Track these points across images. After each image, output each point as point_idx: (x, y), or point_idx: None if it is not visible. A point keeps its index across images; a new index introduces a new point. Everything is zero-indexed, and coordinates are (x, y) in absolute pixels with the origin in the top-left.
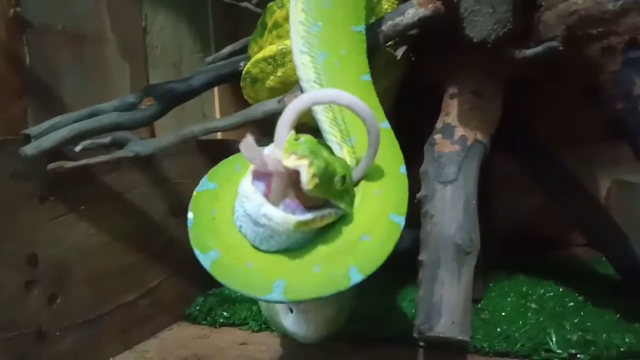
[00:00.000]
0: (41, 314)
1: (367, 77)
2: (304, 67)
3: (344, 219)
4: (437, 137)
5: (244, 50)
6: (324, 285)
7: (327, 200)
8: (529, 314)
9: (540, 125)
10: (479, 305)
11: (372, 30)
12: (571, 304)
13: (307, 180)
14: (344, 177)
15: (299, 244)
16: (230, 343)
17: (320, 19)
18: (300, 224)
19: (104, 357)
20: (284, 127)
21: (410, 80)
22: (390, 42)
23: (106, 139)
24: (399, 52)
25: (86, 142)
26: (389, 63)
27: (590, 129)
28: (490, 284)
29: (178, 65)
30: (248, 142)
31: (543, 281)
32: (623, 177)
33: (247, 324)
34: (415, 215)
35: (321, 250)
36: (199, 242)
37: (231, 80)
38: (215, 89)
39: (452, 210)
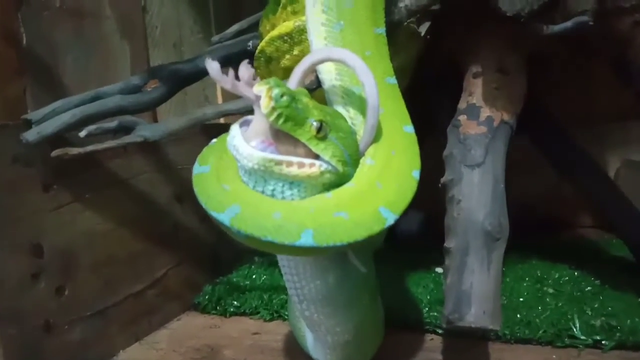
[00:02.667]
0: (48, 305)
1: (392, 80)
2: (326, 66)
3: (354, 178)
4: (462, 118)
5: (251, 29)
6: (356, 229)
7: (313, 154)
8: (547, 299)
9: (551, 104)
10: None
11: (395, 5)
12: (589, 287)
13: (264, 104)
14: (320, 124)
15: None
16: (242, 332)
17: (342, 18)
18: (267, 160)
19: (113, 349)
20: (293, 77)
21: (427, 58)
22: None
23: (112, 124)
24: (422, 29)
25: (91, 127)
26: (409, 38)
27: (601, 108)
28: (503, 268)
29: (178, 45)
30: (214, 66)
31: (557, 265)
32: (633, 158)
33: (259, 312)
34: (421, 197)
35: (342, 200)
36: (214, 203)
37: (239, 60)
38: None
39: (480, 194)
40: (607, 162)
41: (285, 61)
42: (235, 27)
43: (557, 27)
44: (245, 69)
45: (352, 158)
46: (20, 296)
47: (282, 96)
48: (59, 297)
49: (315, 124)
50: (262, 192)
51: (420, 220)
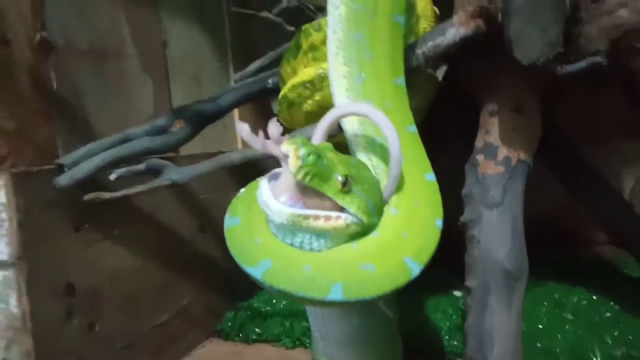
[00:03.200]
0: (81, 342)
1: (412, 129)
2: (349, 119)
3: (378, 227)
4: (479, 157)
5: (270, 66)
6: (383, 282)
7: (339, 207)
8: (567, 326)
9: (564, 121)
10: None
11: (412, 51)
12: (608, 314)
13: (292, 163)
14: (346, 178)
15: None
16: None
17: (363, 71)
18: (295, 216)
19: None
20: (318, 132)
21: (442, 94)
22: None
23: (141, 166)
24: (440, 73)
25: (122, 170)
26: (426, 82)
27: (614, 125)
28: None
29: (197, 75)
30: (244, 128)
31: (575, 287)
32: None
33: (281, 340)
34: None
35: (368, 251)
36: (247, 258)
37: (259, 98)
38: None
39: (499, 234)
40: (622, 180)
41: (306, 106)
42: (256, 64)
43: (570, 67)
44: (274, 127)
45: (377, 208)
46: (54, 335)
47: (309, 155)
48: (90, 332)
49: (340, 178)
50: (291, 244)
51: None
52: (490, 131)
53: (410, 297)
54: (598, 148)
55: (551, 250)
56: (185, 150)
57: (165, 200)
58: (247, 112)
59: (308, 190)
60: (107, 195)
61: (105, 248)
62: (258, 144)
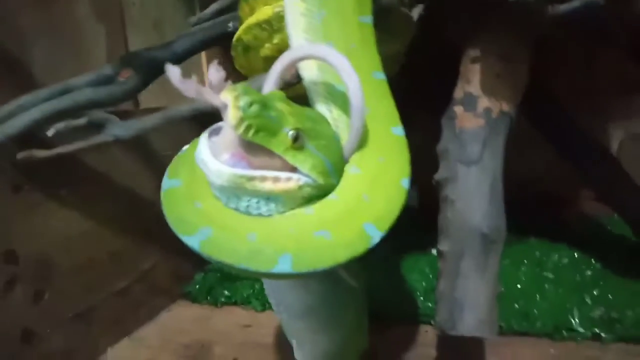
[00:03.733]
0: (26, 313)
1: (380, 75)
2: (306, 61)
3: (337, 188)
4: (458, 109)
5: (232, 8)
6: (338, 251)
7: (291, 166)
8: (546, 286)
9: (552, 78)
10: None
11: None
12: (589, 272)
13: (231, 114)
14: (297, 133)
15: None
16: (233, 326)
17: (323, 7)
18: (237, 177)
19: (100, 349)
20: (269, 79)
21: (420, 39)
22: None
23: (81, 120)
24: (415, 12)
25: (60, 125)
26: (401, 24)
27: (603, 81)
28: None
29: (159, 25)
30: (174, 73)
31: (556, 244)
32: (636, 131)
33: (250, 302)
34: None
35: (324, 216)
36: (183, 226)
37: (219, 43)
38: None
39: (476, 195)
40: (611, 135)
41: (265, 50)
42: (214, 6)
43: (563, 7)
44: (214, 72)
45: (335, 167)
46: None
47: (251, 105)
48: (37, 302)
49: (291, 133)
50: (236, 208)
51: (414, 196)
52: (471, 80)
53: (384, 256)
54: (588, 103)
55: (534, 208)
56: (147, 103)
57: (121, 158)
58: (215, 57)
59: (254, 147)
60: (42, 153)
61: (51, 211)
62: (192, 91)
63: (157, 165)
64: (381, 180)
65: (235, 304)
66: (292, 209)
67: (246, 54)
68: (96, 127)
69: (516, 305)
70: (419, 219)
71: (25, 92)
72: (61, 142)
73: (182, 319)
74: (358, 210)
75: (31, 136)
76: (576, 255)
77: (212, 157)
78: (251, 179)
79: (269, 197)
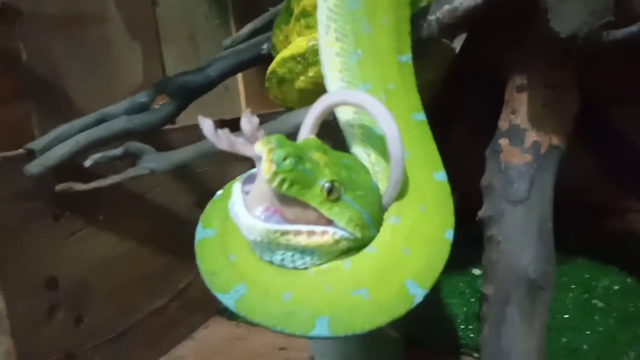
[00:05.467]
0: (67, 337)
1: (420, 116)
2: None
3: (376, 240)
4: (503, 142)
5: (265, 28)
6: (377, 313)
7: (327, 219)
8: (596, 317)
9: (593, 83)
10: None
11: (423, 18)
12: None
13: (265, 168)
14: (332, 185)
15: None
16: (269, 347)
17: (359, 47)
18: (271, 232)
19: None
20: (304, 128)
21: (460, 60)
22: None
23: (118, 151)
24: (457, 43)
25: (96, 156)
26: (442, 53)
27: None
28: None
29: (193, 36)
30: (207, 124)
31: (606, 267)
32: None
33: None
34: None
35: (362, 272)
36: (218, 282)
37: (253, 65)
38: None
39: (523, 236)
40: None
41: (299, 83)
42: (248, 27)
43: (619, 33)
44: (246, 122)
45: (373, 218)
46: (37, 332)
47: (285, 159)
48: (78, 326)
49: (326, 185)
50: (271, 261)
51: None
52: (518, 110)
53: None
54: (629, 111)
55: (581, 220)
56: (183, 120)
57: (157, 178)
58: (251, 76)
59: (288, 199)
60: (79, 186)
61: (89, 236)
62: (225, 143)
63: (193, 183)
64: (423, 231)
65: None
66: (329, 261)
67: (281, 86)
68: (132, 157)
69: (563, 340)
70: (459, 232)
71: (64, 116)
72: (99, 170)
73: (218, 337)
74: (398, 265)
75: (69, 166)
76: (628, 281)
77: (245, 210)
78: (285, 233)
79: (304, 250)
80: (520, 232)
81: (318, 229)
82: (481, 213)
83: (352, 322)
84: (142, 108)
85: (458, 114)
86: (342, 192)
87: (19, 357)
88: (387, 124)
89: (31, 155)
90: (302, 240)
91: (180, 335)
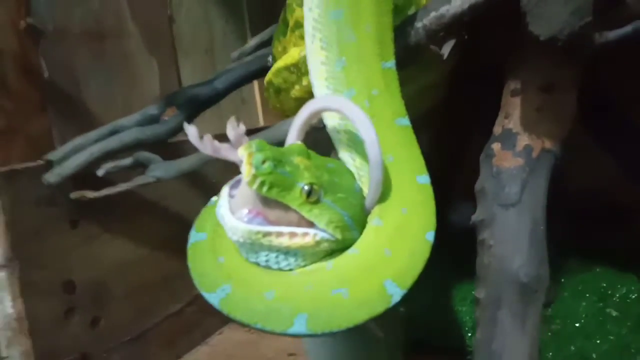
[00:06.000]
0: (84, 339)
1: (404, 121)
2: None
3: (358, 242)
4: (496, 147)
5: (271, 41)
6: (355, 311)
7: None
8: (609, 326)
9: (615, 84)
10: (549, 311)
11: (410, 25)
12: None
13: (245, 171)
14: (311, 187)
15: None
16: (278, 353)
17: (343, 54)
18: (253, 233)
19: None
20: (291, 132)
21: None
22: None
23: (127, 161)
24: (446, 49)
25: (108, 166)
26: (433, 59)
27: None
28: (563, 279)
29: (210, 50)
30: (191, 132)
31: (624, 274)
32: None
33: None
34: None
35: (343, 272)
36: (205, 282)
37: (259, 77)
38: None
39: (515, 239)
40: None
41: (295, 92)
42: (255, 40)
43: (612, 34)
44: (231, 129)
45: (355, 220)
46: (54, 333)
47: (263, 162)
48: (94, 328)
49: (305, 187)
50: (256, 262)
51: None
52: (511, 115)
53: (438, 283)
54: None
55: (602, 224)
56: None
57: (171, 187)
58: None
59: (271, 202)
60: (91, 194)
61: (106, 241)
62: (209, 149)
63: (206, 190)
64: (404, 233)
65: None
66: (313, 262)
67: (278, 95)
68: (141, 166)
69: (573, 347)
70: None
71: (84, 128)
72: (112, 178)
73: (231, 343)
74: (378, 265)
75: (85, 174)
76: None
77: (229, 212)
78: (267, 234)
79: (287, 252)
80: (512, 236)
81: (299, 230)
82: (474, 217)
83: (330, 320)
84: (153, 120)
85: (476, 122)
86: (322, 195)
87: (37, 357)
88: (364, 128)
89: (50, 165)
90: (284, 241)
91: (195, 340)
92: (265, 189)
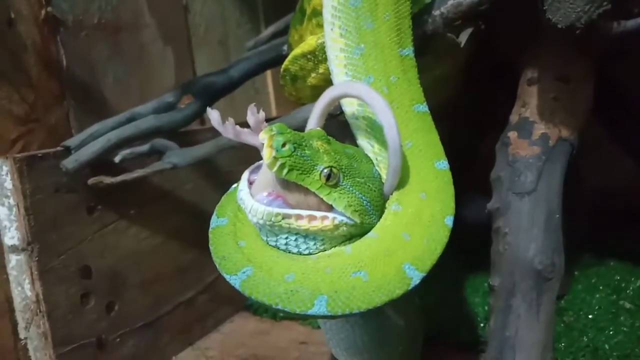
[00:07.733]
0: (100, 323)
1: (422, 108)
2: (347, 98)
3: (377, 226)
4: (512, 135)
5: (287, 30)
6: (374, 293)
7: (328, 206)
8: (622, 318)
9: (631, 85)
10: (562, 303)
11: (428, 13)
12: None
13: (265, 154)
14: (330, 170)
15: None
16: (290, 342)
17: (362, 42)
18: (272, 215)
19: (165, 357)
20: (312, 118)
21: (477, 55)
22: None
23: (144, 147)
24: (463, 37)
25: (125, 152)
26: (450, 48)
27: None
28: (576, 272)
29: (224, 41)
30: (214, 116)
31: (638, 268)
32: None
33: (308, 319)
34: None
35: (362, 256)
36: (227, 265)
37: (274, 66)
38: None
39: (530, 227)
40: None
41: (311, 79)
42: (270, 29)
43: (630, 23)
44: (251, 115)
45: (374, 205)
46: (71, 316)
47: (284, 145)
48: (109, 313)
49: (325, 170)
50: (276, 246)
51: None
52: (528, 103)
53: (451, 276)
54: None
55: (618, 222)
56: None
57: (186, 176)
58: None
59: (291, 185)
60: (108, 180)
61: (122, 229)
62: (230, 133)
63: (221, 181)
64: (423, 218)
65: (293, 319)
66: (333, 247)
67: (294, 83)
68: (157, 153)
69: (585, 339)
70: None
71: (101, 115)
72: (129, 165)
73: (243, 331)
74: (397, 249)
75: (102, 161)
76: None
77: (249, 195)
78: (286, 216)
79: (306, 235)
80: (527, 224)
81: (318, 214)
82: (489, 205)
83: (349, 302)
84: (169, 107)
85: (493, 116)
86: (341, 179)
87: (54, 339)
88: (383, 113)
89: (68, 151)
90: (303, 224)
91: (207, 327)
92: (285, 171)
